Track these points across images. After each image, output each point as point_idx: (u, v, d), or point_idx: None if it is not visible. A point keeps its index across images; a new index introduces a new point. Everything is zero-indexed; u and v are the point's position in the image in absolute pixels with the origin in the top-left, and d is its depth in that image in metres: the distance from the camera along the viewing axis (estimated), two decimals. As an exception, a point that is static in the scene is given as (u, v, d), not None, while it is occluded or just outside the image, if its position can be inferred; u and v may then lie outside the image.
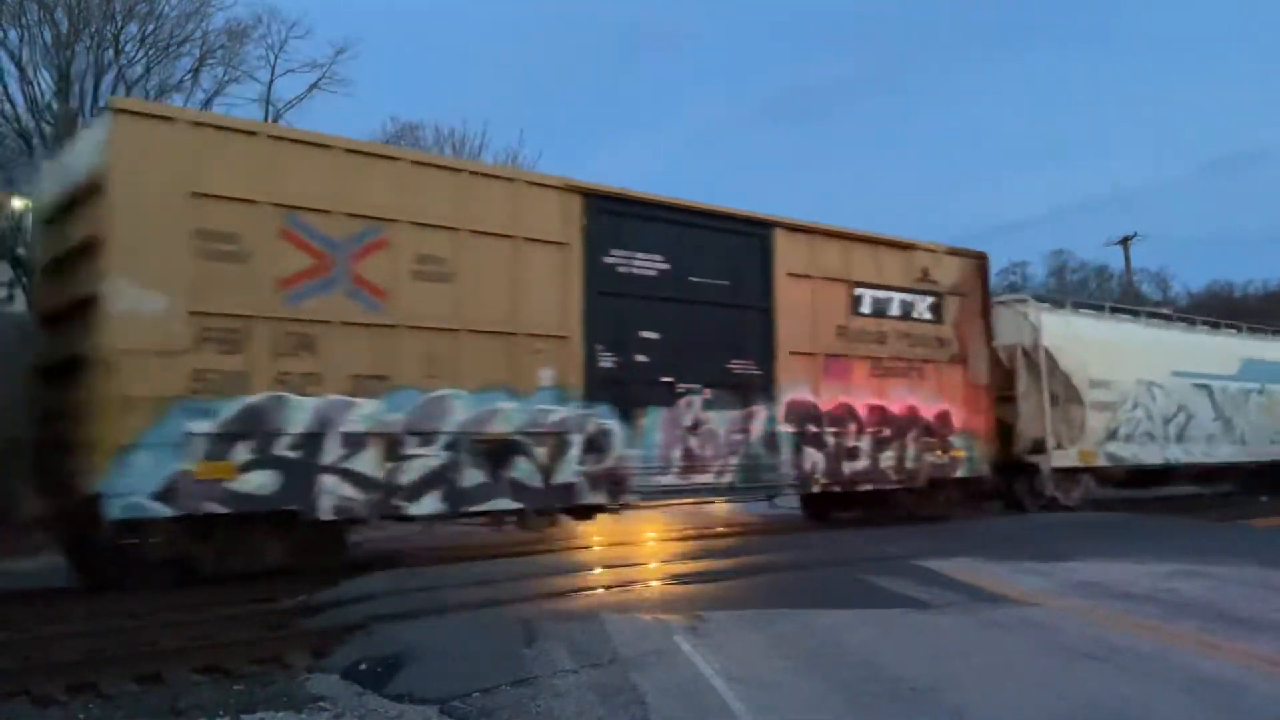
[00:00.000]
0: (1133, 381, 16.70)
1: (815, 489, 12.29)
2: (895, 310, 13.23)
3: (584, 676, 5.48)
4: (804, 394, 12.01)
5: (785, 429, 11.76)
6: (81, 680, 5.83)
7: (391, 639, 6.36)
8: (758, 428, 11.53)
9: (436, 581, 8.28)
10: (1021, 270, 61.33)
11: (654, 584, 8.50)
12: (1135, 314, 18.30)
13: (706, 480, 11.03)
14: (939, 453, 13.42)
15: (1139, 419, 16.80)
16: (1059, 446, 15.32)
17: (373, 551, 10.58)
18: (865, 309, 12.89)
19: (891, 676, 5.48)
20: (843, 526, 13.21)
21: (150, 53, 26.42)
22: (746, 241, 11.78)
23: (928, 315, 13.63)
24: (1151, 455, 17.00)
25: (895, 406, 12.98)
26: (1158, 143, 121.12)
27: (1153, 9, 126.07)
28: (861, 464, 12.54)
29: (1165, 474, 17.96)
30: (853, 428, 12.48)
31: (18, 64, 24.40)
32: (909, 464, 13.05)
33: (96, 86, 25.17)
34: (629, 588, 8.21)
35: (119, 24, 25.66)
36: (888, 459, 12.82)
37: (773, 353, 11.80)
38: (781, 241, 12.02)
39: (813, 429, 12.04)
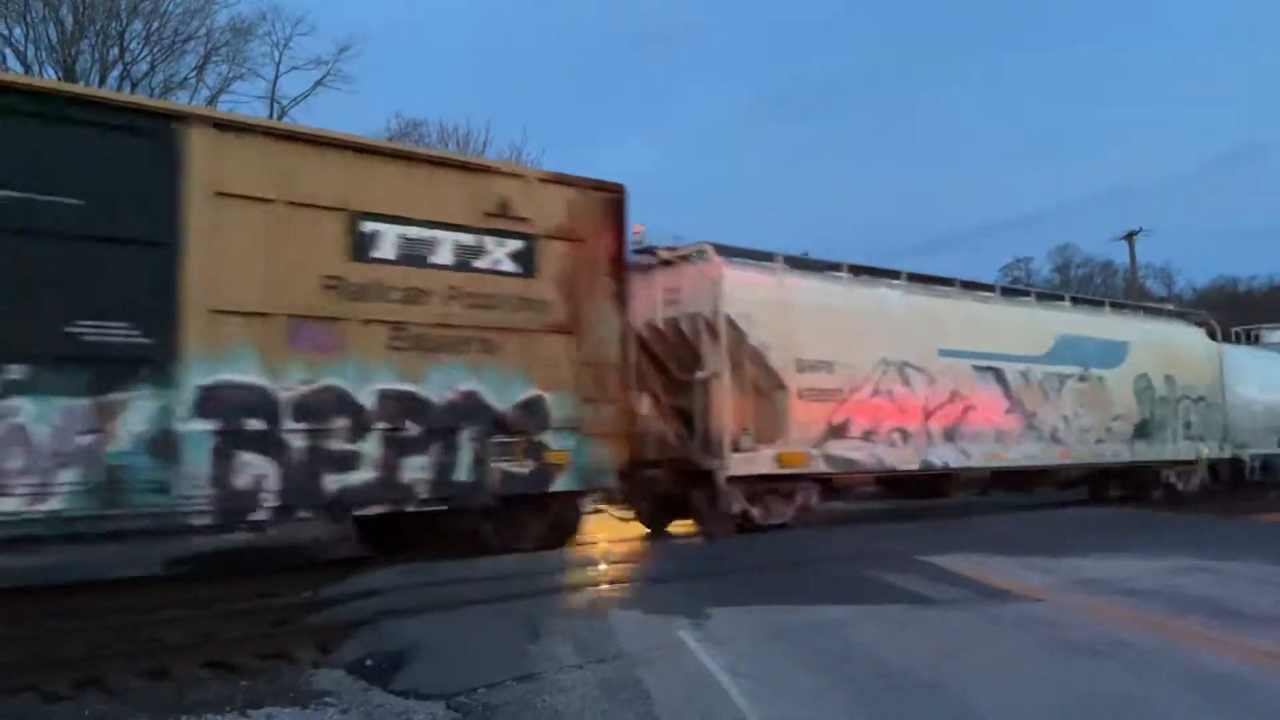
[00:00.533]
0: (874, 362, 12.74)
1: (259, 515, 8.25)
2: (445, 257, 9.23)
3: (589, 672, 5.49)
4: (243, 374, 8.11)
5: (196, 426, 7.83)
6: (88, 675, 5.86)
7: (397, 634, 6.38)
8: (133, 425, 7.57)
9: (441, 577, 8.30)
10: (1026, 265, 61.35)
11: (659, 580, 8.51)
12: (894, 276, 13.95)
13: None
14: (522, 458, 9.56)
15: (882, 411, 12.81)
16: (744, 448, 11.52)
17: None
18: (384, 252, 8.94)
19: (896, 671, 5.49)
20: (843, 524, 13.19)
21: (155, 50, 26.60)
22: (127, 142, 7.79)
23: (509, 266, 9.64)
24: (902, 458, 12.98)
25: (439, 393, 9.09)
26: (1163, 137, 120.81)
27: (1157, 4, 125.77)
28: (364, 475, 8.59)
29: (941, 480, 14.04)
30: (347, 423, 8.55)
31: (23, 61, 24.49)
32: (461, 474, 9.13)
33: (102, 84, 25.23)
34: (633, 584, 8.22)
35: (124, 21, 25.78)
36: (419, 468, 8.91)
37: (176, 311, 7.85)
38: (204, 145, 8.08)
39: (258, 426, 8.09)
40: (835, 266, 13.30)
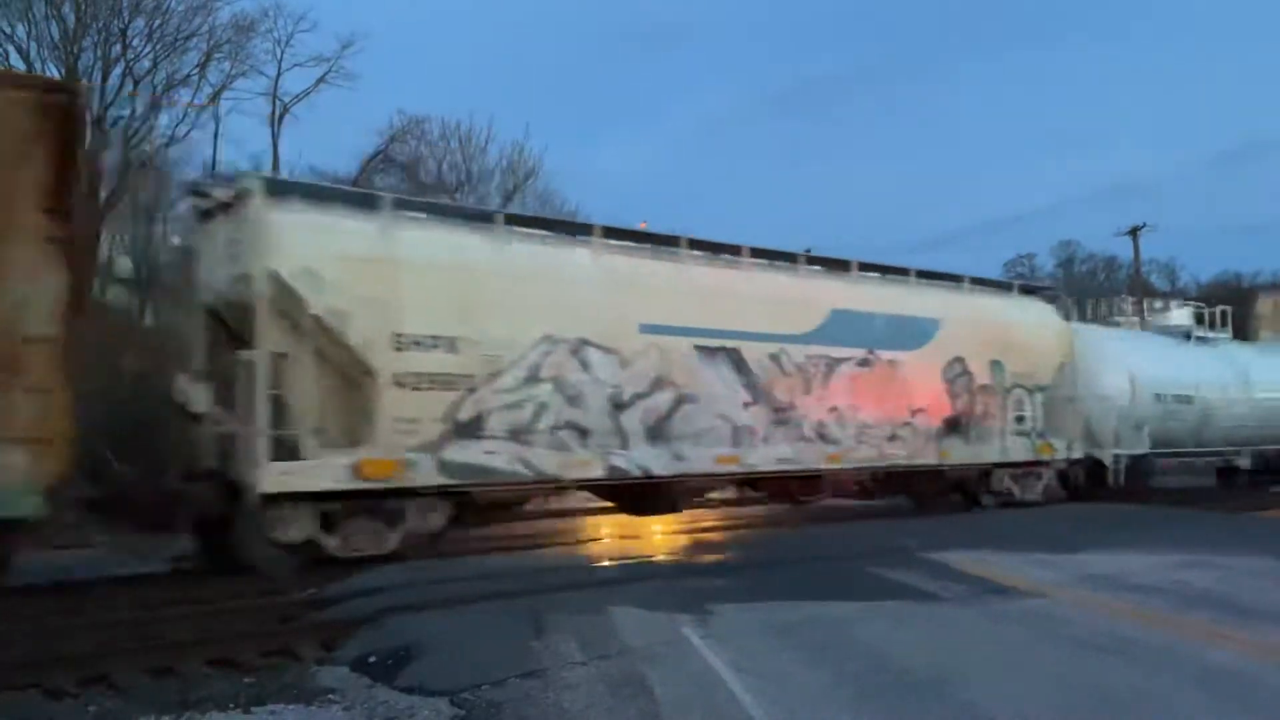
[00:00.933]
0: (531, 340, 9.77)
1: None
2: None
3: (593, 669, 5.49)
4: None
5: None
6: (93, 673, 5.88)
7: (401, 631, 6.38)
8: None
9: (444, 574, 8.30)
10: (1029, 262, 61.22)
11: (662, 577, 8.50)
12: (585, 232, 11.10)
13: None
14: None
15: (542, 403, 9.81)
16: (306, 455, 8.58)
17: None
18: None
19: (900, 668, 5.48)
20: (847, 521, 13.17)
21: (157, 47, 26.58)
22: None
23: None
24: (575, 463, 10.00)
25: None
26: (1167, 133, 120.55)
27: (1162, 1, 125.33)
28: None
29: (655, 490, 10.90)
30: None
31: (25, 59, 24.50)
32: None
33: (104, 81, 25.28)
34: (637, 581, 8.22)
35: (126, 19, 25.78)
36: None
37: None
38: None
39: None
40: (487, 216, 10.33)
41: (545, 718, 4.79)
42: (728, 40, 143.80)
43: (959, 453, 13.63)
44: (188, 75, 27.66)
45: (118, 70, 25.98)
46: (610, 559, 9.70)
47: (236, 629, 6.99)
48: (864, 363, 12.61)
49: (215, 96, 27.82)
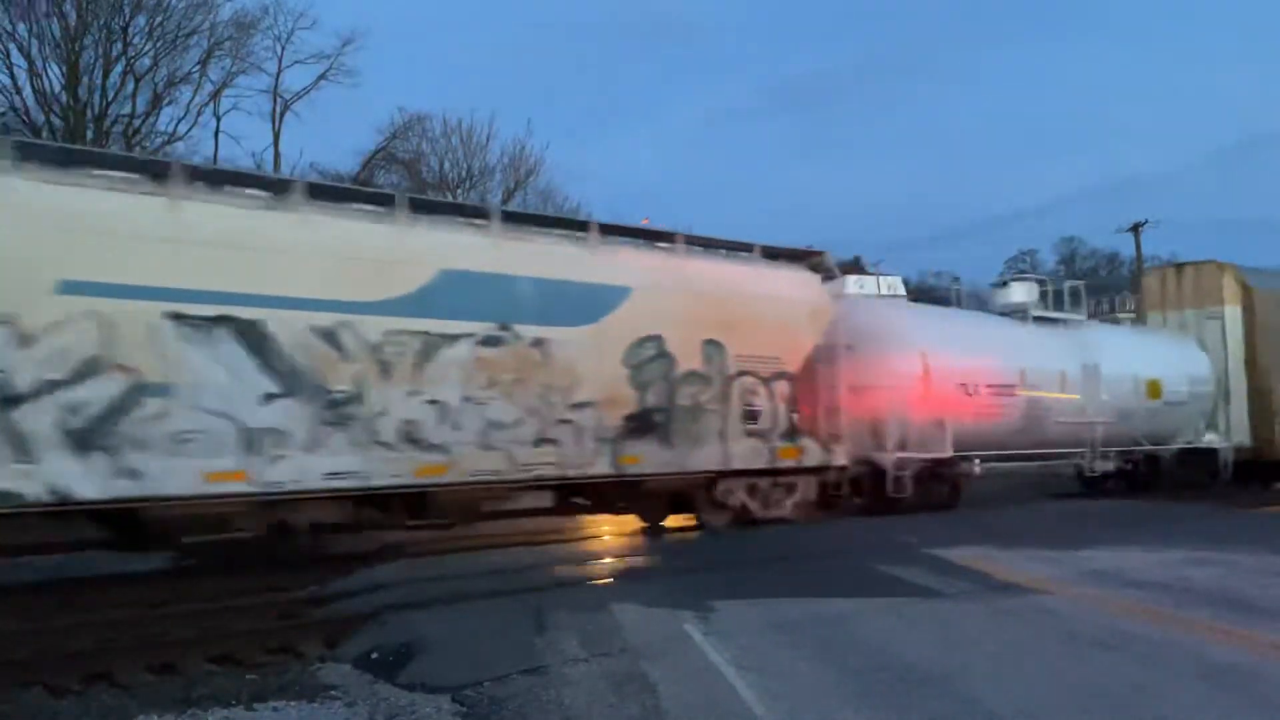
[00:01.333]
0: None
1: None
2: None
3: (595, 665, 5.49)
4: None
5: None
6: (96, 670, 5.89)
7: (403, 628, 6.39)
8: None
9: (447, 571, 8.32)
10: (1031, 257, 61.12)
11: (664, 574, 8.51)
12: None
13: None
14: None
15: None
16: None
17: (382, 542, 10.61)
18: None
19: (903, 664, 5.48)
20: (850, 517, 13.14)
21: (158, 45, 26.51)
22: None
23: None
24: None
25: None
26: (1168, 129, 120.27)
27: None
28: None
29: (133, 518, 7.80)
30: None
31: (26, 57, 24.50)
32: None
33: (105, 79, 25.27)
34: (639, 578, 8.22)
35: (127, 16, 25.72)
36: None
37: None
38: None
39: None
40: None
41: (547, 715, 4.79)
42: (731, 36, 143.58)
43: (652, 459, 10.41)
44: (189, 73, 27.63)
45: (119, 68, 25.99)
46: (611, 556, 9.71)
47: (238, 626, 7.00)
48: (493, 341, 9.48)
49: (216, 94, 27.79)
